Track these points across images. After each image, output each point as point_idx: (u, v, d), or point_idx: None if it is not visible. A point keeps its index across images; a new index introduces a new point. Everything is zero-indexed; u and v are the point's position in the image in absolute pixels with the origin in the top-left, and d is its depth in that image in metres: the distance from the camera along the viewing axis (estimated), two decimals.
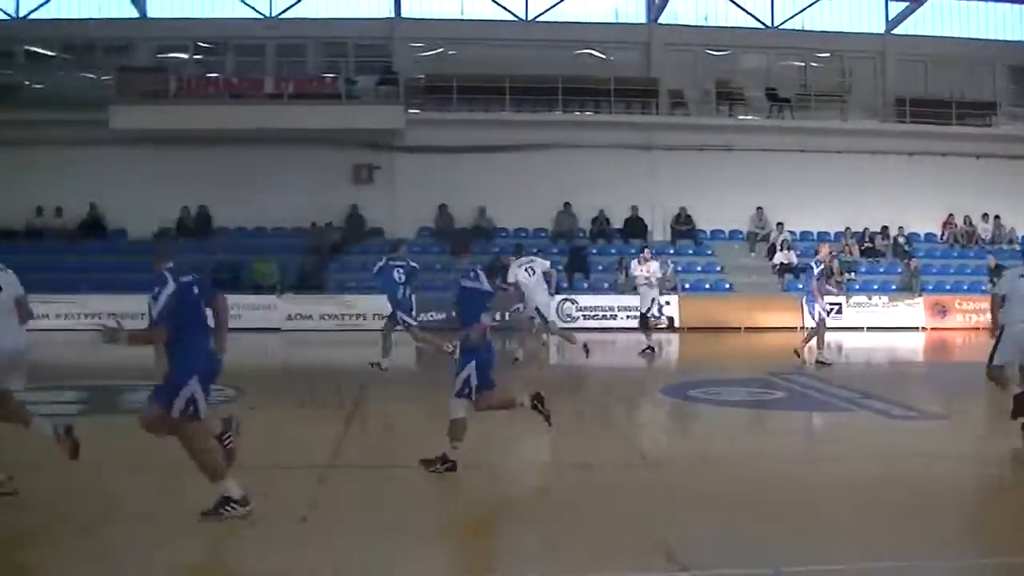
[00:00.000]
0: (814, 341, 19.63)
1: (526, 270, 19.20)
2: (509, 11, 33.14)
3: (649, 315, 21.68)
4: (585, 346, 19.55)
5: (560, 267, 29.22)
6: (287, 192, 30.49)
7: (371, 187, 31.50)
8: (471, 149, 30.94)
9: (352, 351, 22.95)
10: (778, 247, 31.27)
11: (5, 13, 31.98)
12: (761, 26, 34.13)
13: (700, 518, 8.17)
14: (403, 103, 30.75)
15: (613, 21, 34.14)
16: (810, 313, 20.25)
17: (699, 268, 31.50)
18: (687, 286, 29.97)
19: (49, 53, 32.34)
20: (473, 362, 9.12)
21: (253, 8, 32.48)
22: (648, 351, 21.59)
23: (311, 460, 10.05)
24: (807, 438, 13.20)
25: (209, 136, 30.07)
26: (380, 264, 18.02)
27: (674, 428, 14.07)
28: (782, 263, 30.84)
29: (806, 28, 34.29)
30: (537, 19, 33.28)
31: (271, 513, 8.05)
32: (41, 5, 32.01)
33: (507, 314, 21.05)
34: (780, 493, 9.18)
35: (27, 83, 32.08)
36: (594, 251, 31.29)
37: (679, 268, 30.14)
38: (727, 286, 30.64)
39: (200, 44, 32.65)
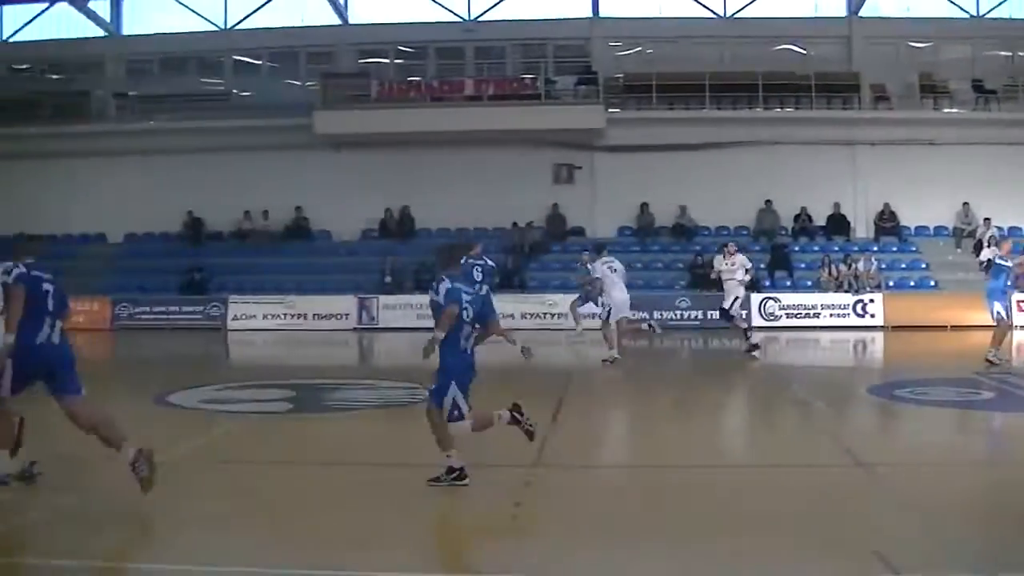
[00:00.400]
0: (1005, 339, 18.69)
1: (609, 268, 19.69)
2: (708, 8, 33.36)
3: (732, 312, 20.72)
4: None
5: (762, 265, 29.32)
6: (488, 192, 31.25)
7: (571, 187, 32.03)
8: (671, 148, 31.15)
9: (555, 351, 23.37)
10: (985, 243, 30.62)
11: (214, 25, 33.57)
12: (965, 15, 33.58)
13: (912, 520, 8.04)
14: (603, 102, 31.17)
15: (813, 15, 33.98)
16: (990, 312, 19.00)
17: (903, 265, 31.07)
18: (891, 284, 29.60)
19: (256, 61, 33.88)
20: (453, 382, 8.89)
21: (452, 12, 33.45)
22: (752, 349, 20.45)
23: (517, 459, 10.14)
24: (1019, 441, 12.74)
25: (411, 139, 31.12)
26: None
27: (882, 428, 13.79)
28: (989, 260, 30.22)
29: (1013, 16, 33.58)
30: (736, 15, 33.42)
31: (480, 510, 8.44)
32: (248, 16, 33.43)
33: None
34: (994, 497, 8.96)
35: (235, 91, 33.64)
36: (796, 249, 31.15)
37: (883, 266, 29.85)
38: (932, 284, 30.15)
39: (401, 48, 33.76)
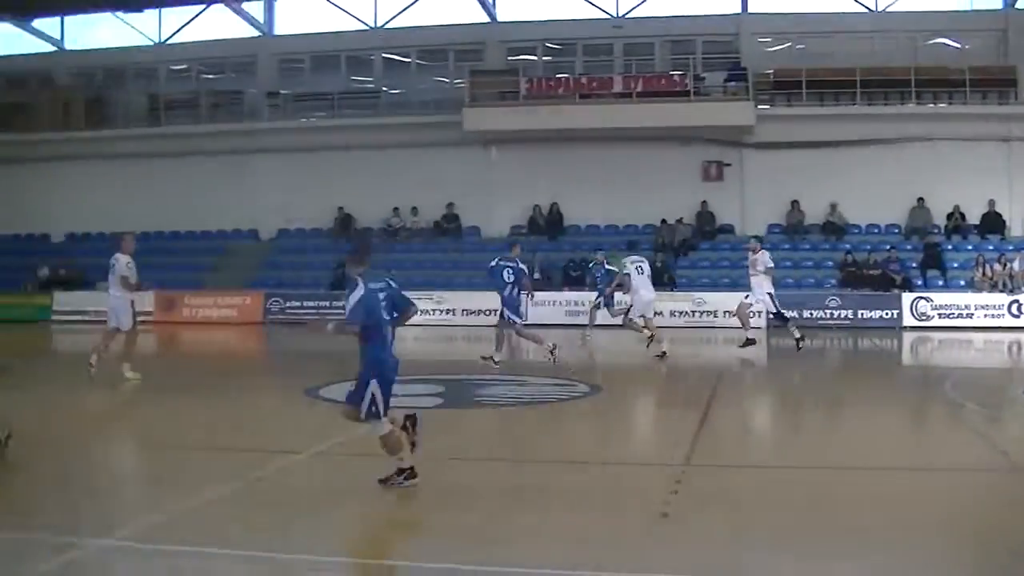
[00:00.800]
0: None
1: (637, 268, 20.61)
2: (858, 1, 33.41)
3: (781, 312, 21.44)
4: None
5: (914, 264, 29.43)
6: (636, 190, 31.86)
7: (721, 184, 32.40)
8: (821, 144, 31.35)
9: (706, 349, 23.81)
10: None
11: (364, 23, 34.71)
12: None
13: None
14: (752, 99, 31.42)
15: (966, 8, 33.85)
16: None
17: None
18: None
19: (405, 59, 34.97)
20: (375, 380, 8.72)
21: (600, 8, 34.05)
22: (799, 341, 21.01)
23: (667, 457, 10.46)
24: None
25: (559, 135, 31.87)
26: (492, 264, 19.27)
27: None
28: None
29: None
30: (887, 9, 33.38)
31: (629, 507, 8.67)
32: (398, 14, 34.51)
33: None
34: None
35: (385, 89, 34.72)
36: (949, 248, 31.06)
37: None
38: None
39: (549, 45, 34.44)
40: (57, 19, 37.58)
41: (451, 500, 9.01)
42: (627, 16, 33.94)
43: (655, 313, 21.44)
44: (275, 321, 30.76)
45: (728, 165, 32.43)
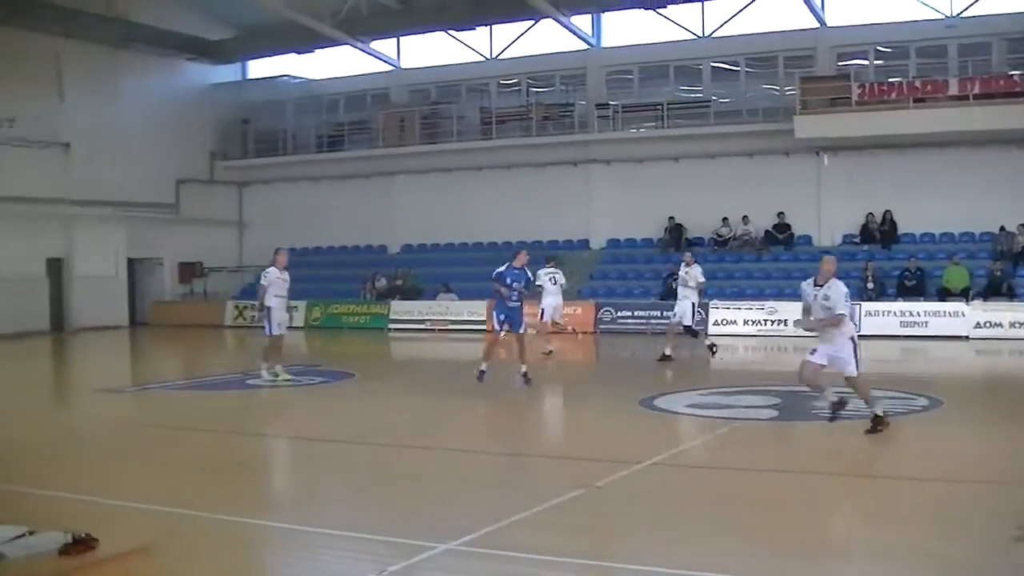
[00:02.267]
0: None
1: (550, 279, 25.47)
2: None
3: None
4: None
5: None
6: (973, 195, 32.68)
7: None
8: None
9: None
10: None
11: (691, 33, 37.14)
12: None
13: None
14: None
15: None
16: None
17: None
18: None
19: (734, 68, 37.21)
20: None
21: (934, 8, 34.84)
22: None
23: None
24: None
25: (892, 141, 33.24)
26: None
27: None
28: None
29: None
30: None
31: (979, 527, 8.86)
32: (725, 22, 36.77)
33: None
34: None
35: (714, 98, 37.12)
36: None
37: None
38: None
39: (880, 49, 35.65)
40: (393, 40, 42.12)
41: (791, 513, 9.59)
42: (961, 15, 34.42)
43: None
44: (607, 330, 33.35)
45: None
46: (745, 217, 35.76)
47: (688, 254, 25.56)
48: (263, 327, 20.87)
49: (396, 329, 35.66)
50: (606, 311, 34.18)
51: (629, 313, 33.80)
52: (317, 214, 42.59)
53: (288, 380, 20.48)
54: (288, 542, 9.00)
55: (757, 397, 16.90)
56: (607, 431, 14.94)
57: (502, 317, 19.33)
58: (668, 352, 23.80)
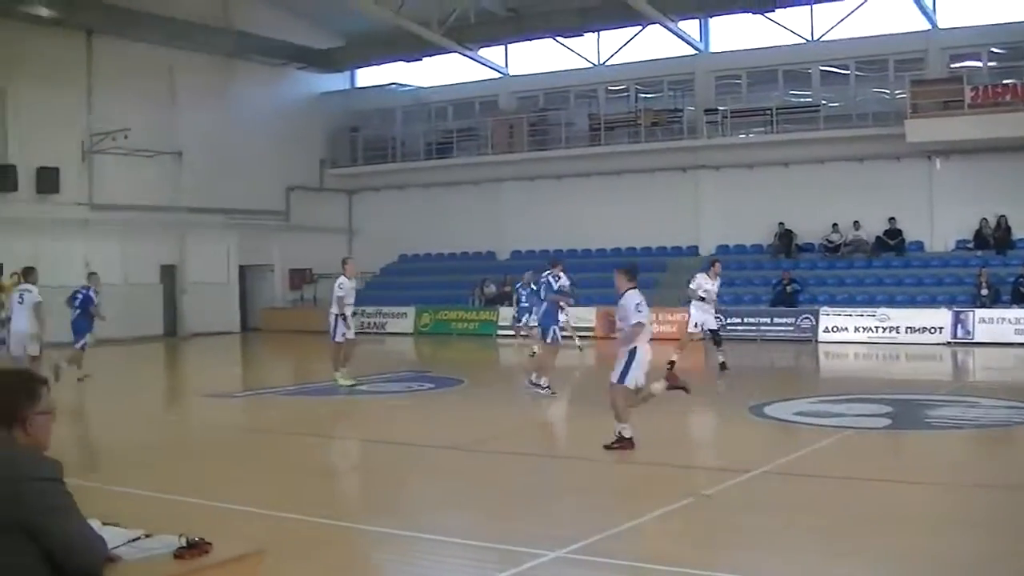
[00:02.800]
0: None
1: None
2: None
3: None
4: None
5: None
6: None
7: None
8: None
9: None
10: None
11: (800, 36, 37.56)
12: None
13: None
14: None
15: None
16: None
17: None
18: None
19: (843, 71, 37.52)
20: None
21: None
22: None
23: None
24: None
25: (1007, 144, 33.14)
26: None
27: None
28: None
29: None
30: None
31: None
32: (834, 26, 37.11)
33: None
34: None
35: (823, 102, 37.43)
36: None
37: None
38: None
39: (994, 51, 35.66)
40: (501, 48, 43.19)
41: (909, 527, 9.65)
42: None
43: None
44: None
45: None
46: (856, 223, 36.01)
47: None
48: (333, 334, 21.90)
49: (504, 335, 36.39)
50: (716, 318, 34.45)
51: (739, 320, 34.07)
52: (426, 221, 43.74)
53: (352, 384, 21.53)
54: (397, 548, 9.36)
55: (868, 405, 17.10)
56: (716, 439, 15.46)
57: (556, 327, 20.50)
58: (722, 360, 24.00)
